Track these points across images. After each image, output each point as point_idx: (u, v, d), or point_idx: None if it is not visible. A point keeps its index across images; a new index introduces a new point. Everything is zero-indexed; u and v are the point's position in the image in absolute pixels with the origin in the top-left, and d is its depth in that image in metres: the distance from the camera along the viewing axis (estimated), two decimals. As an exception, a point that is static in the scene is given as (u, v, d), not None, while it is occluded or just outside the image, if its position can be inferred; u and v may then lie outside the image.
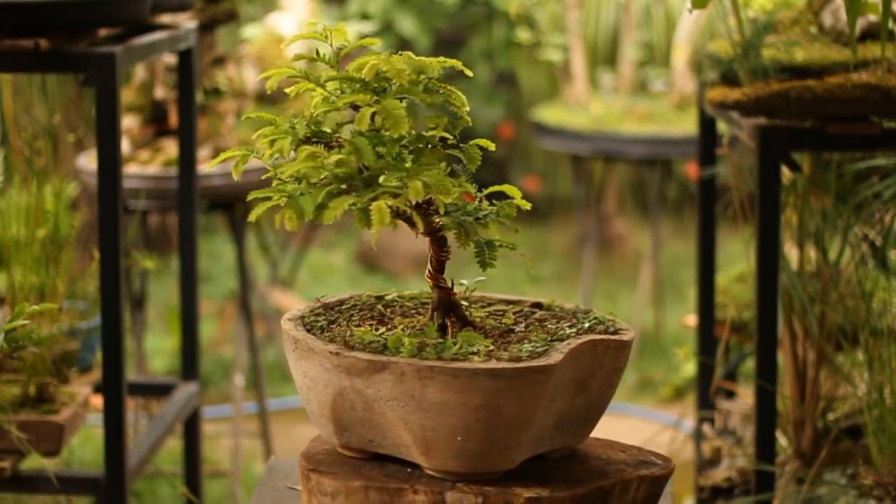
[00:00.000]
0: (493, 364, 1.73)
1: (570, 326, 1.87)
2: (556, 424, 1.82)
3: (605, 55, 7.08)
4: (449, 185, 1.76)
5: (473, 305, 1.97)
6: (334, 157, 1.76)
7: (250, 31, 5.79)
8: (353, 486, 1.78)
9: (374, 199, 1.73)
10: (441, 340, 1.80)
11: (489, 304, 1.99)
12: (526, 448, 1.79)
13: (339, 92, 1.84)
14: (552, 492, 1.76)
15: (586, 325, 1.87)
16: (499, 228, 1.84)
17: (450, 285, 1.89)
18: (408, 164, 1.77)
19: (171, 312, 5.45)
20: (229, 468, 4.49)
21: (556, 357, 1.75)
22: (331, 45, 1.88)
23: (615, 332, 1.86)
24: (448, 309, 1.88)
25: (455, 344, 1.78)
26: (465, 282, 1.99)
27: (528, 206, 1.87)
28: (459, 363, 1.73)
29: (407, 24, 7.46)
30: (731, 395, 3.46)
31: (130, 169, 4.14)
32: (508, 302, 2.00)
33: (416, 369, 1.73)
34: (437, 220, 1.83)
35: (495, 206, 1.85)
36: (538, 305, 1.97)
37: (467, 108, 1.86)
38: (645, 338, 5.96)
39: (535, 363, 1.74)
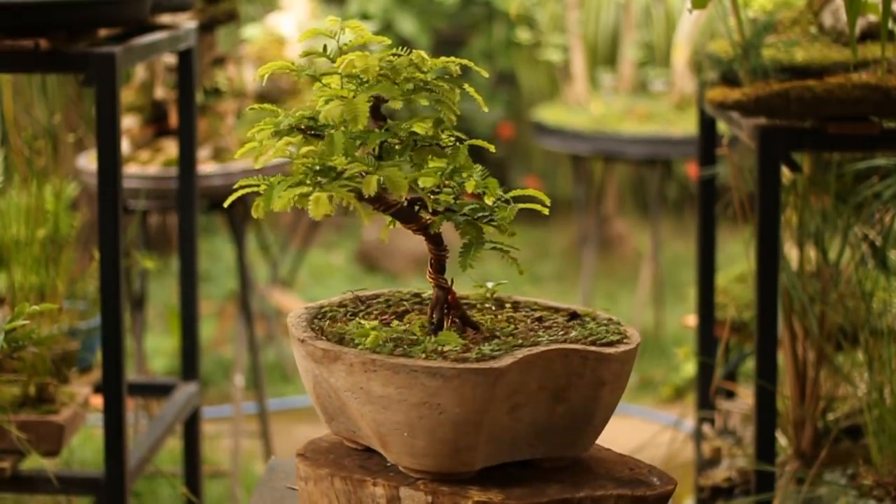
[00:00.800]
0: (431, 362, 1.73)
1: (562, 334, 1.85)
2: (534, 433, 1.80)
3: (605, 55, 7.08)
4: (402, 181, 1.75)
5: (505, 308, 1.96)
6: (304, 149, 1.77)
7: (250, 31, 5.79)
8: (320, 473, 1.82)
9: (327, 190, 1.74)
10: (418, 337, 1.80)
11: (526, 308, 1.97)
12: (485, 451, 1.77)
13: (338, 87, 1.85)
14: (506, 498, 1.75)
15: (578, 333, 1.85)
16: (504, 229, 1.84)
17: (449, 284, 1.88)
18: (389, 161, 1.78)
19: (171, 312, 5.45)
20: (229, 468, 4.49)
21: (504, 361, 1.73)
22: (337, 40, 1.88)
23: (608, 344, 1.82)
24: (447, 308, 1.88)
25: (432, 342, 1.78)
26: (490, 284, 1.99)
27: (546, 210, 1.86)
28: (400, 359, 1.73)
29: (407, 24, 7.46)
30: (731, 395, 3.46)
31: (130, 169, 4.14)
32: (553, 309, 1.97)
33: (362, 361, 1.75)
34: (426, 217, 1.83)
35: (494, 207, 1.84)
36: (574, 315, 1.95)
37: (456, 111, 1.86)
38: (645, 338, 5.96)
39: (476, 365, 1.72)
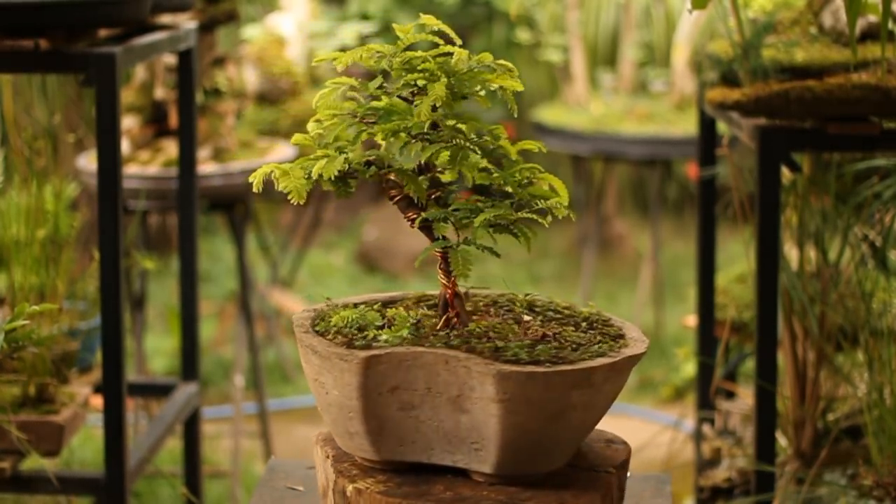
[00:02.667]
0: (315, 339, 1.84)
1: (506, 343, 1.84)
2: (444, 439, 1.82)
3: (605, 55, 7.08)
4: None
5: (535, 312, 1.96)
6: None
7: (250, 32, 5.79)
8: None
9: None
10: (378, 326, 1.87)
11: (548, 313, 1.97)
12: (385, 443, 1.83)
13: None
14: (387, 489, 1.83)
15: (500, 345, 1.82)
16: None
17: (448, 281, 1.88)
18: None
19: (171, 312, 5.45)
20: (229, 468, 4.49)
21: (369, 352, 1.80)
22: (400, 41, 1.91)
23: (508, 362, 1.77)
24: (448, 306, 1.88)
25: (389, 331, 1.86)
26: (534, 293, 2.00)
27: (563, 213, 1.87)
28: (307, 335, 1.85)
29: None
30: (731, 395, 3.46)
31: (130, 169, 4.14)
32: (577, 319, 1.97)
33: (299, 338, 1.88)
34: (411, 213, 1.86)
35: (493, 208, 1.84)
36: (585, 319, 1.96)
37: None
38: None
39: (339, 350, 1.81)
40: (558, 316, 1.95)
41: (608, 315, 1.97)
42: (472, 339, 1.82)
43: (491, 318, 1.92)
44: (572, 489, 1.81)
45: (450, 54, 1.87)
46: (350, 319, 1.89)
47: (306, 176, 1.85)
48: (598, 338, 1.88)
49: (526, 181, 1.87)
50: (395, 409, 1.81)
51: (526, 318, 1.92)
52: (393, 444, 1.84)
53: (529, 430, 1.78)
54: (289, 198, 1.85)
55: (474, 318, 1.91)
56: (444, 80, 1.83)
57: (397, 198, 1.88)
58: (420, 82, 1.84)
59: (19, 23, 2.78)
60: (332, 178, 1.84)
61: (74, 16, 2.82)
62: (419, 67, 1.84)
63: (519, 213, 1.84)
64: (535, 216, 1.85)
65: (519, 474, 1.82)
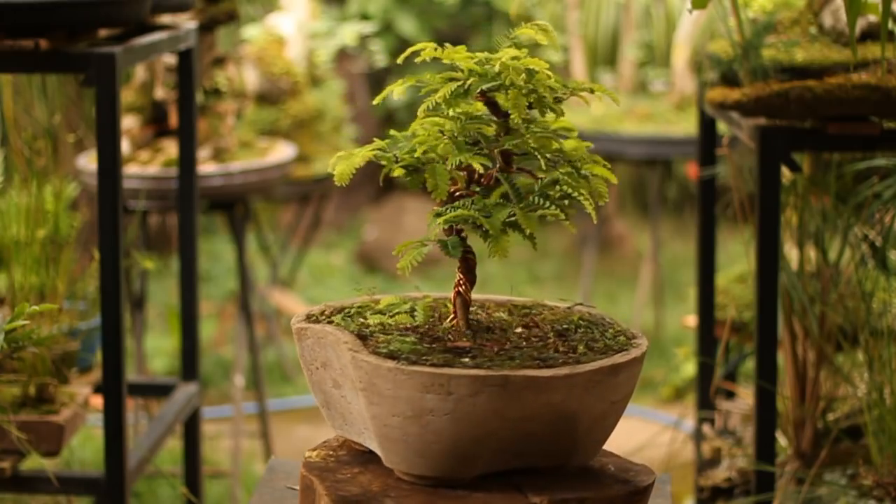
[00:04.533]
0: (302, 321, 1.90)
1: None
2: (363, 423, 1.84)
3: (605, 55, 7.08)
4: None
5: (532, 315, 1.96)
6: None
7: (250, 32, 5.79)
8: None
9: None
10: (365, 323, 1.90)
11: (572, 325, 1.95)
12: (327, 414, 1.88)
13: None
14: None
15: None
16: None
17: (460, 284, 1.88)
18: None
19: (171, 312, 5.45)
20: (229, 468, 4.49)
21: (295, 324, 1.88)
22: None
23: (379, 354, 1.78)
24: (463, 307, 1.89)
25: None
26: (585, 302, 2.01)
27: (595, 217, 1.86)
28: (300, 321, 1.90)
29: (407, 24, 7.46)
30: (731, 395, 3.46)
31: (130, 169, 4.14)
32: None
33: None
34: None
35: (501, 209, 1.83)
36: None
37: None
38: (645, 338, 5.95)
39: (299, 324, 1.88)
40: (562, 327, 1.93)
41: (614, 328, 1.96)
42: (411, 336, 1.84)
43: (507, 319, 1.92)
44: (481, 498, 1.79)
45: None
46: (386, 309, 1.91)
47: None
48: (541, 353, 1.83)
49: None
50: (329, 385, 1.85)
51: (519, 329, 1.92)
52: (339, 421, 1.88)
53: (390, 424, 1.77)
54: (336, 181, 1.84)
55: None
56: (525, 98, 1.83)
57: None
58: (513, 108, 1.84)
59: (19, 23, 2.78)
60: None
61: (74, 16, 2.82)
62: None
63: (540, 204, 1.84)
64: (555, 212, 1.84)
65: (429, 475, 1.80)
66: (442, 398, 1.73)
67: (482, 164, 1.82)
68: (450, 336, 1.85)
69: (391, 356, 1.77)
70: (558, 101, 1.88)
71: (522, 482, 1.81)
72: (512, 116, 1.85)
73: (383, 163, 1.87)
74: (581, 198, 1.84)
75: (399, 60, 1.96)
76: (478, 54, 1.87)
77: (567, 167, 1.87)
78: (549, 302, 2.01)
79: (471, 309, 1.92)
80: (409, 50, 1.94)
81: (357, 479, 1.83)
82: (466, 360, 1.77)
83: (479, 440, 1.75)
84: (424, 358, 1.76)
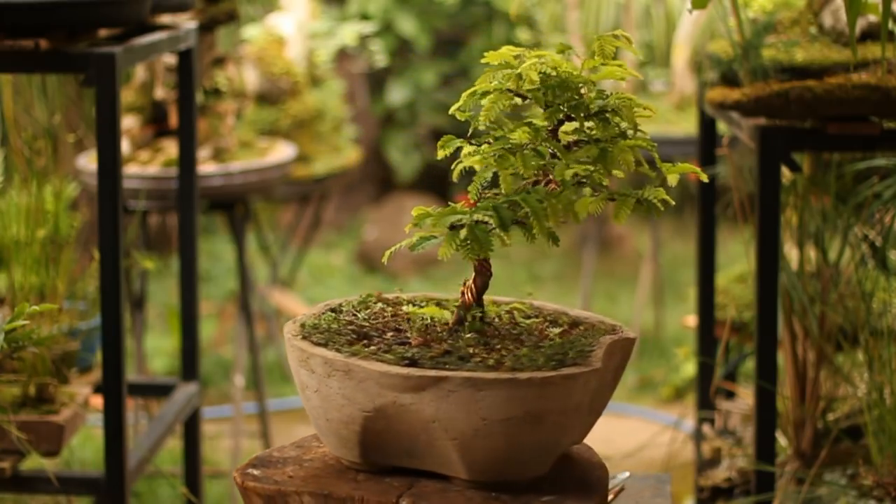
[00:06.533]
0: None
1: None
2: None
3: (605, 55, 7.07)
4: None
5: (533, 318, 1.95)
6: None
7: (250, 31, 5.79)
8: None
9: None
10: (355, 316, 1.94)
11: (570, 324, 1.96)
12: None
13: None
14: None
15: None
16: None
17: (465, 286, 1.89)
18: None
19: (171, 312, 5.45)
20: (229, 468, 4.49)
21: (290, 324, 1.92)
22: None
23: (330, 346, 1.83)
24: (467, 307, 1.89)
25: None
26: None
27: (665, 206, 1.86)
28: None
29: (407, 25, 7.46)
30: (731, 395, 3.46)
31: (130, 169, 4.14)
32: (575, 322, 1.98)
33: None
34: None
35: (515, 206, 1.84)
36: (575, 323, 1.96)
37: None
38: (645, 338, 5.96)
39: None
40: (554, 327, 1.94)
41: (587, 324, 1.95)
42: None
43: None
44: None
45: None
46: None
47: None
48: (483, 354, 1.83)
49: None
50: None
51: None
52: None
53: (330, 419, 1.84)
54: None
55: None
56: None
57: None
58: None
59: (19, 23, 2.78)
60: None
61: (74, 16, 2.82)
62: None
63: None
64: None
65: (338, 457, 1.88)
66: (308, 374, 1.82)
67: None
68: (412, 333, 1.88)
69: (304, 335, 1.86)
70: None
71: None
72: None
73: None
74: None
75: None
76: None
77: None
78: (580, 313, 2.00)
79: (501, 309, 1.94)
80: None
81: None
82: (371, 348, 1.82)
83: (345, 423, 1.82)
84: (335, 338, 1.85)
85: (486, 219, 1.81)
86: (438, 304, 1.97)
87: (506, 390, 1.74)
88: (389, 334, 1.87)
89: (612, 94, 1.90)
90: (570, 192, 1.81)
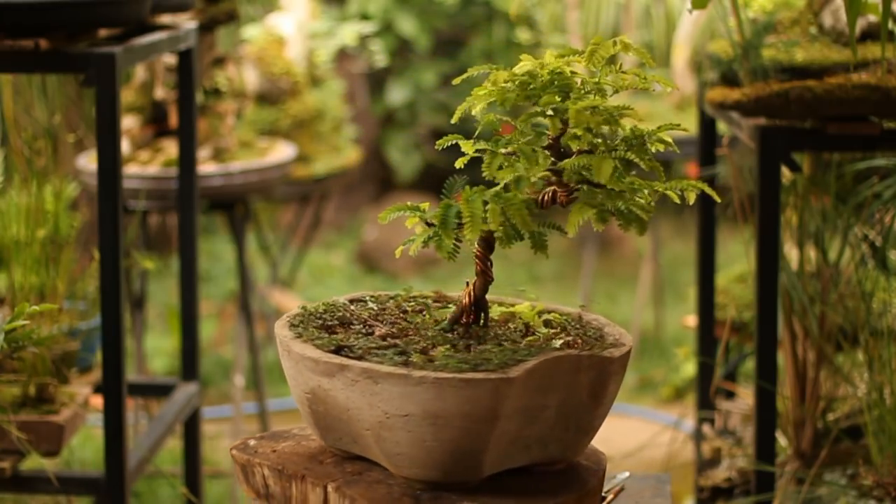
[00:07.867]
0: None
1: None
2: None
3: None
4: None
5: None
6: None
7: (250, 32, 5.79)
8: None
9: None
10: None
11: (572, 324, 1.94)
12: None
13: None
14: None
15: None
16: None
17: (469, 287, 1.88)
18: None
19: (171, 312, 5.45)
20: (229, 468, 4.49)
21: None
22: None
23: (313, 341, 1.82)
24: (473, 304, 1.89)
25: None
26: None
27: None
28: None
29: (407, 25, 7.46)
30: (731, 395, 3.46)
31: (130, 169, 4.14)
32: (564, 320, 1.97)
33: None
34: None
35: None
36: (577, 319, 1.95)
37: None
38: (645, 338, 5.96)
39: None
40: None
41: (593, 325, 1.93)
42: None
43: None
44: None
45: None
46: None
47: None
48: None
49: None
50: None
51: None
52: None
53: (295, 398, 1.87)
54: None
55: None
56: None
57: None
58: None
59: (19, 23, 2.78)
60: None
61: (74, 16, 2.82)
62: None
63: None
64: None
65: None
66: (285, 358, 1.85)
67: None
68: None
69: (290, 318, 1.88)
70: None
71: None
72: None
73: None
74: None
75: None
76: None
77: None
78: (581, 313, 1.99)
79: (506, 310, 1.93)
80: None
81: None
82: (323, 335, 1.84)
83: (300, 403, 1.85)
84: (308, 322, 1.88)
85: (433, 220, 1.81)
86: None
87: (400, 386, 1.71)
88: (361, 326, 1.88)
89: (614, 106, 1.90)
90: (519, 194, 1.77)
